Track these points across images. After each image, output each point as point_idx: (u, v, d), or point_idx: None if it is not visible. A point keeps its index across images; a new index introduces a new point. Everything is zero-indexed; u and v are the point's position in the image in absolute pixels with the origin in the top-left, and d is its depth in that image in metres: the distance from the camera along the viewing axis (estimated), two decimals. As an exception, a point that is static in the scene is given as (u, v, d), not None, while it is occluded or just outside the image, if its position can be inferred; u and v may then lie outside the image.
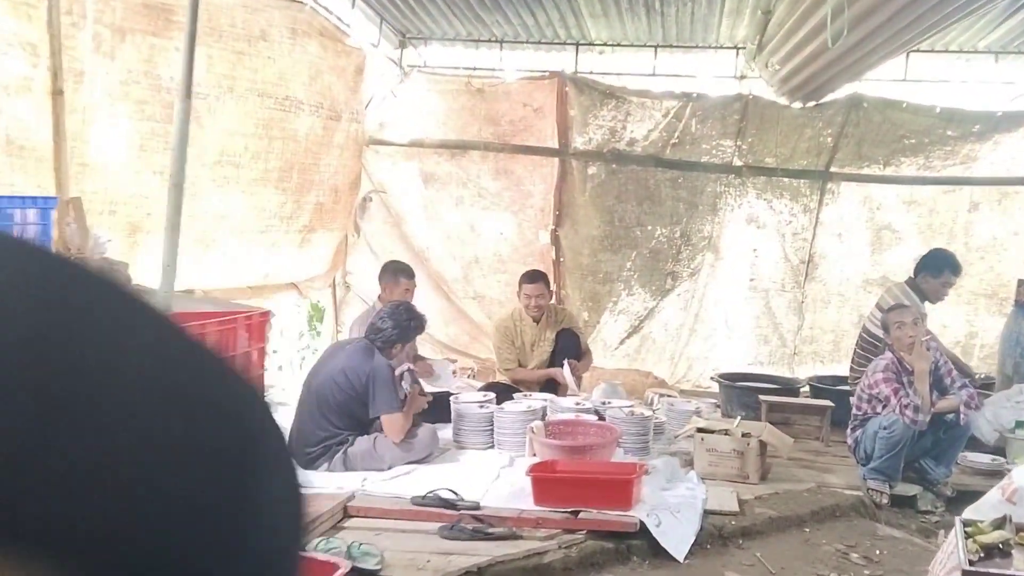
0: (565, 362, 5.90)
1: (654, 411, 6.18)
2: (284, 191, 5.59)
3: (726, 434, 4.96)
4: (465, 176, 7.33)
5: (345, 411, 4.65)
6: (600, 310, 7.51)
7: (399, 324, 4.75)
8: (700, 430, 4.99)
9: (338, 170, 6.18)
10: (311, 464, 4.64)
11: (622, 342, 7.58)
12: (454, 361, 6.86)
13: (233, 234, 5.33)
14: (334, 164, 6.09)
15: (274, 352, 8.73)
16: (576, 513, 3.91)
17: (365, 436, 4.66)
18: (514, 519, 3.89)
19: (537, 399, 5.45)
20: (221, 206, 5.17)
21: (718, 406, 6.66)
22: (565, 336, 6.19)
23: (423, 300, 7.49)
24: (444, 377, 5.82)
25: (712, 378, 6.70)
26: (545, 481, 4.01)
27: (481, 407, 5.25)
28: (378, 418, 4.62)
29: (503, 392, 5.91)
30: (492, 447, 5.04)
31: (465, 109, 7.20)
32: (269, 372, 6.30)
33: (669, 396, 6.69)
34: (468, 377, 7.29)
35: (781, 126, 7.04)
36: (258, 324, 3.27)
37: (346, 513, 4.04)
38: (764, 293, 7.33)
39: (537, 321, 6.16)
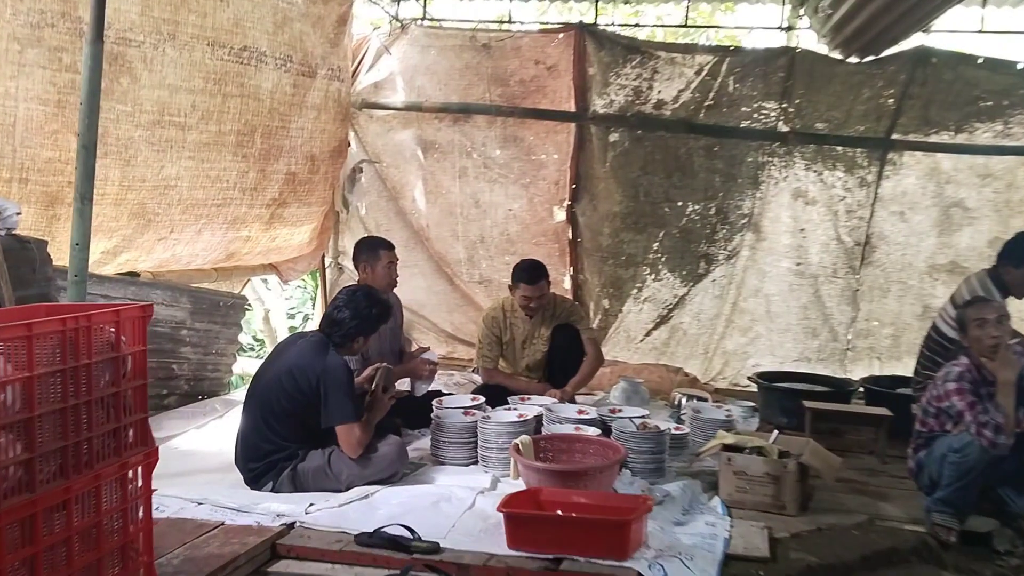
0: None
1: (677, 417, 5.35)
2: (245, 158, 4.80)
3: (759, 453, 4.07)
4: (469, 144, 6.50)
5: (294, 420, 3.86)
6: (623, 298, 6.64)
7: (358, 313, 3.95)
8: (727, 447, 4.11)
9: (314, 135, 5.38)
10: (255, 482, 3.88)
11: (648, 334, 6.69)
12: (452, 376, 6.02)
13: (182, 208, 4.57)
14: (308, 128, 5.29)
15: (255, 340, 8.03)
16: (558, 562, 3.07)
17: (319, 450, 3.88)
18: (478, 568, 3.07)
19: (533, 405, 4.60)
20: (165, 174, 4.40)
21: (756, 410, 5.76)
22: (564, 333, 5.31)
23: (423, 283, 6.73)
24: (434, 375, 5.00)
25: (750, 378, 5.77)
26: (520, 520, 3.17)
27: (465, 414, 4.43)
28: (332, 428, 3.82)
29: (499, 396, 5.08)
30: (476, 462, 4.22)
31: (470, 68, 6.35)
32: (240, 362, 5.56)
33: (699, 397, 5.78)
34: (472, 371, 6.47)
35: (834, 85, 6.05)
36: (133, 321, 2.50)
37: (274, 553, 3.25)
38: (813, 280, 6.37)
39: (531, 316, 5.30)
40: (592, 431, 4.16)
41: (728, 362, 6.65)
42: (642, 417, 4.41)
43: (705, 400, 5.75)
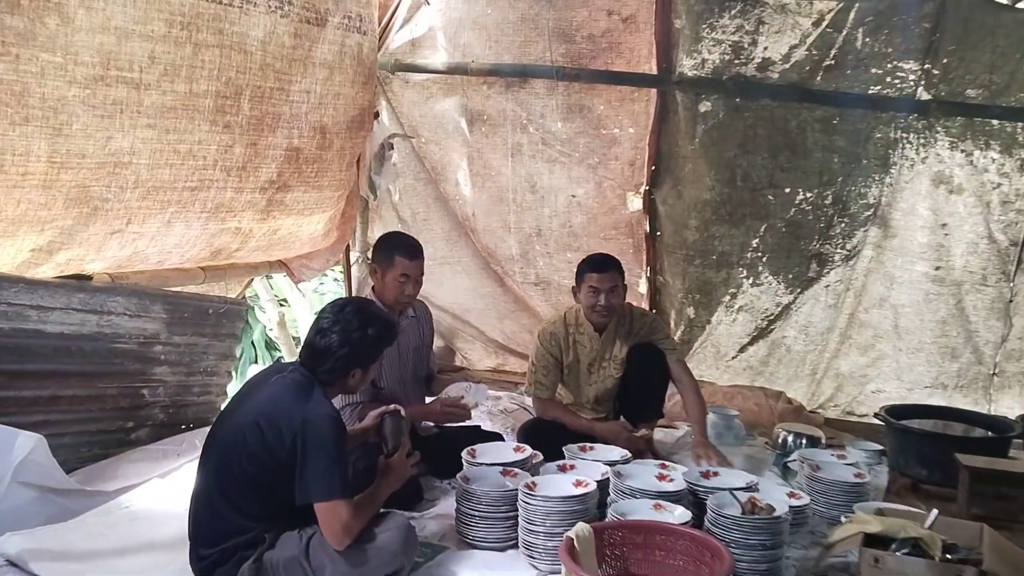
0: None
1: (784, 464, 4.14)
2: (228, 128, 3.72)
3: (915, 547, 2.85)
4: (525, 115, 5.33)
5: (260, 491, 2.78)
6: (712, 305, 5.43)
7: (348, 337, 2.84)
8: (869, 538, 2.89)
9: (324, 101, 4.26)
10: (207, 574, 2.80)
11: (742, 350, 5.47)
12: (498, 399, 4.88)
13: (141, 192, 3.51)
14: (316, 91, 4.17)
15: (269, 350, 6.98)
16: None
17: (294, 534, 2.79)
18: None
19: (597, 461, 3.42)
20: (113, 148, 3.35)
21: (883, 454, 4.53)
22: (643, 356, 4.16)
23: (467, 284, 5.62)
24: (478, 394, 3.87)
25: (878, 415, 4.49)
26: None
27: (504, 474, 3.29)
28: (311, 505, 2.72)
29: (555, 436, 3.93)
30: (515, 545, 3.07)
31: (526, 21, 5.17)
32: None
33: (811, 437, 4.56)
34: (524, 392, 5.32)
35: (996, 39, 4.67)
36: None
37: None
38: (955, 287, 5.02)
39: (601, 331, 4.12)
40: (679, 512, 2.96)
41: (842, 386, 5.39)
42: (749, 489, 3.19)
43: (818, 441, 4.55)
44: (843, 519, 3.37)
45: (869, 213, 5.07)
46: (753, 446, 4.75)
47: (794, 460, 4.25)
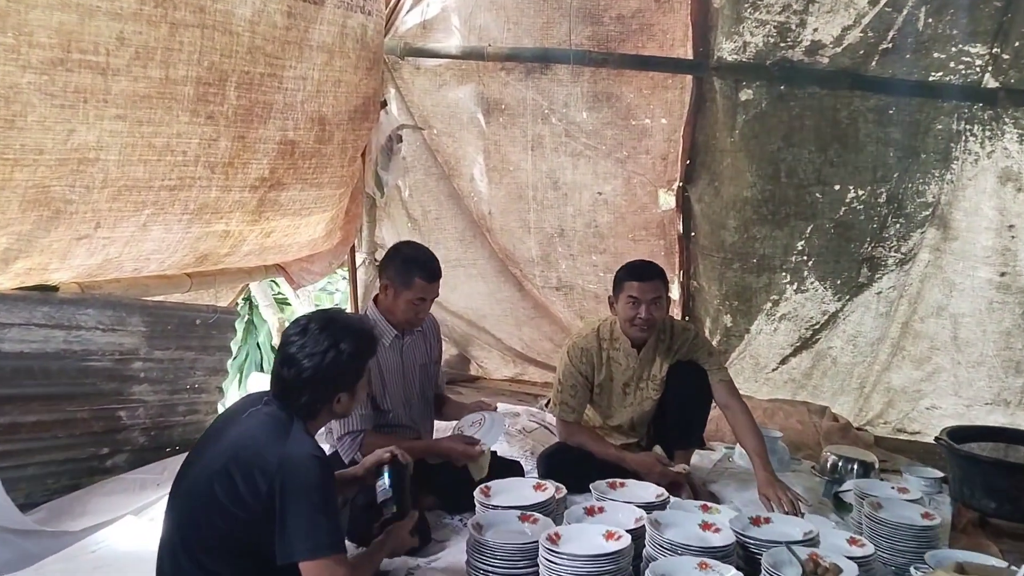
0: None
1: (834, 495, 3.71)
2: (211, 120, 3.28)
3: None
4: (547, 104, 4.90)
5: (233, 550, 2.35)
6: (751, 313, 4.98)
7: (319, 362, 2.39)
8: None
9: (323, 88, 3.81)
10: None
11: (784, 361, 5.04)
12: (516, 416, 4.46)
13: (112, 192, 3.09)
14: (314, 78, 3.72)
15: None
16: None
17: (275, 599, 2.35)
18: None
19: (630, 505, 2.97)
20: (77, 143, 2.93)
21: (945, 482, 4.05)
22: (683, 375, 3.71)
23: (483, 288, 5.22)
24: (491, 435, 3.42)
25: (939, 440, 4.01)
26: None
27: (522, 519, 2.84)
28: (295, 565, 2.29)
29: (580, 468, 3.50)
30: (536, 609, 2.63)
31: (549, 1, 4.74)
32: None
33: (863, 462, 4.09)
34: (544, 407, 4.89)
35: (1076, 19, 4.19)
36: None
37: None
38: (1021, 295, 4.54)
39: (639, 346, 3.67)
40: (725, 571, 2.51)
41: (893, 402, 4.94)
42: (808, 541, 2.73)
43: (871, 467, 4.09)
44: (915, 572, 2.94)
45: (927, 213, 4.61)
46: (799, 471, 4.28)
47: (847, 490, 3.81)
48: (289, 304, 5.73)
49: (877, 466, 4.14)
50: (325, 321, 2.46)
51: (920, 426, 4.86)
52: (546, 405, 4.89)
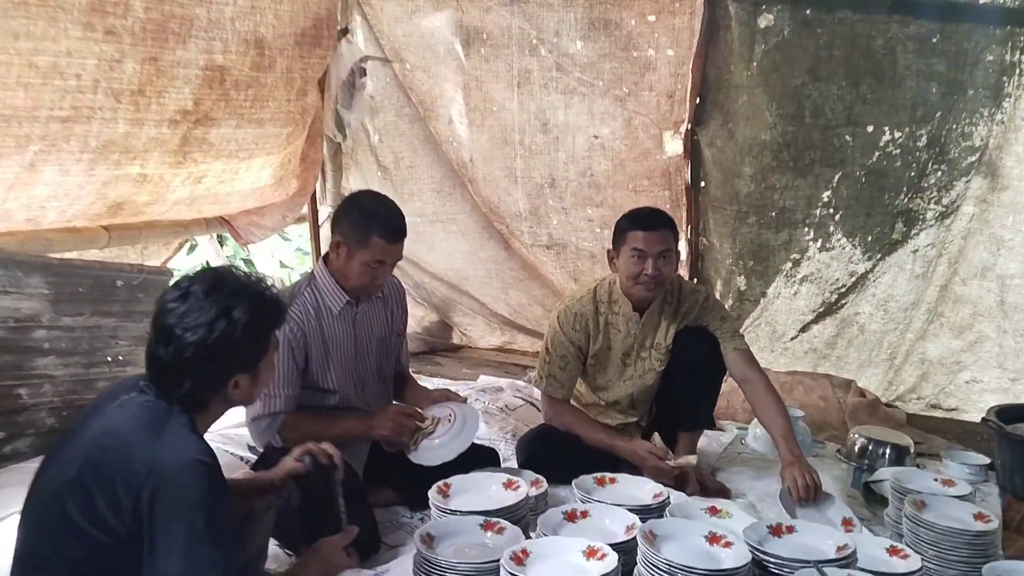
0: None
1: (863, 483, 3.21)
2: (112, 36, 2.68)
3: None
4: (535, 33, 4.30)
5: (88, 574, 1.80)
6: (768, 274, 4.40)
7: (205, 336, 1.84)
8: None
9: (260, 4, 3.20)
10: None
11: (804, 329, 4.49)
12: (499, 392, 3.91)
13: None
14: (248, -7, 3.11)
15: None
16: None
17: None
18: None
19: (615, 511, 2.40)
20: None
21: (991, 469, 3.50)
22: (692, 343, 3.16)
23: (464, 246, 4.68)
24: (462, 437, 2.84)
25: (987, 422, 3.43)
26: None
27: (485, 529, 2.29)
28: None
29: (565, 457, 2.97)
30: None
31: (537, -90, 4.13)
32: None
33: (896, 445, 3.56)
34: (532, 380, 4.33)
35: None
36: None
37: None
38: (1079, 256, 3.99)
39: (643, 310, 3.09)
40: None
41: (927, 375, 4.39)
42: (843, 561, 2.16)
43: (907, 452, 3.57)
44: (971, 592, 2.38)
45: (973, 159, 4.00)
46: (822, 456, 3.73)
47: (880, 480, 3.27)
48: (251, 263, 5.18)
49: (913, 450, 3.60)
50: (212, 283, 1.88)
51: (958, 402, 4.32)
52: (534, 381, 4.36)
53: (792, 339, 4.50)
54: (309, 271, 2.91)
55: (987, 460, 3.55)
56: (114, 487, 1.72)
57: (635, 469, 2.99)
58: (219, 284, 1.86)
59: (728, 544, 2.20)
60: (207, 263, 4.63)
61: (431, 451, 2.75)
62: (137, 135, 2.91)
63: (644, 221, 3.04)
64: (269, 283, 1.98)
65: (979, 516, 2.69)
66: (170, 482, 1.72)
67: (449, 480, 2.56)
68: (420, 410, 2.86)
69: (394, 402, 3.00)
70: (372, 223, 2.69)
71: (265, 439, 2.71)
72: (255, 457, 3.03)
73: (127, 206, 3.11)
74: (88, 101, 2.72)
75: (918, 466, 3.54)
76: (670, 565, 2.05)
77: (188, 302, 1.83)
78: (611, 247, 3.13)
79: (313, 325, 2.75)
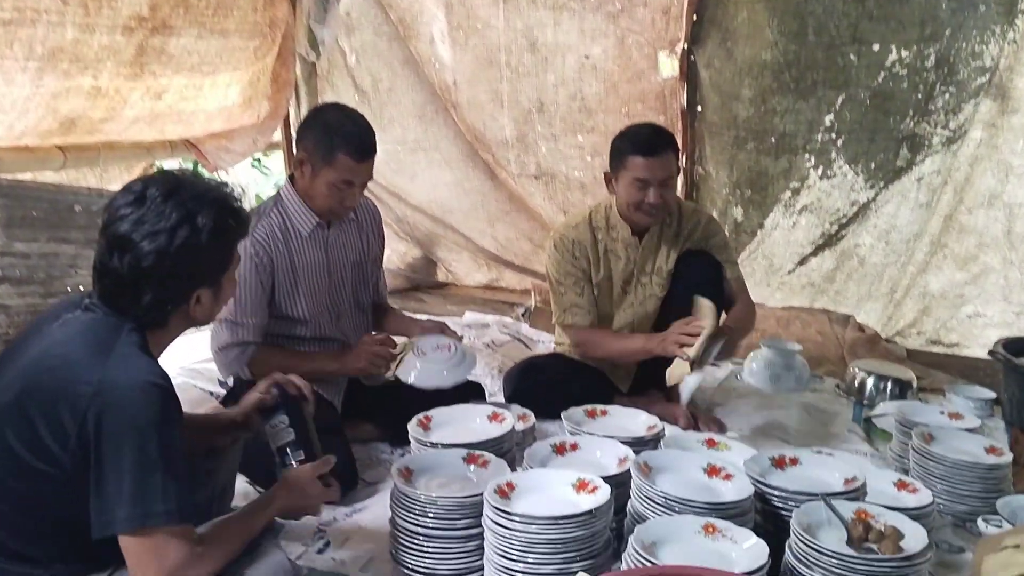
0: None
1: (864, 420, 3.08)
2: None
3: None
4: (522, -56, 4.04)
5: (36, 518, 1.64)
6: (766, 204, 4.19)
7: (167, 244, 1.64)
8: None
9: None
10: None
11: (803, 262, 4.30)
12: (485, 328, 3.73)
13: None
14: None
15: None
16: None
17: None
18: None
19: (607, 443, 2.23)
20: None
21: (997, 403, 3.35)
22: (695, 265, 2.99)
23: (448, 177, 4.47)
24: (459, 371, 2.65)
25: (993, 355, 3.27)
26: None
27: (468, 461, 2.12)
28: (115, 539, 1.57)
29: (555, 390, 2.81)
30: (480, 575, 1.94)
31: None
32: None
33: (898, 380, 3.45)
34: (520, 316, 4.17)
35: None
36: None
37: None
38: (1094, 181, 3.78)
39: (641, 234, 2.91)
40: (748, 545, 1.78)
41: (929, 309, 4.20)
42: (852, 494, 2.00)
43: (909, 386, 3.45)
44: (983, 525, 2.24)
45: (983, 80, 3.77)
46: (820, 391, 3.59)
47: (882, 415, 3.13)
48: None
49: (915, 385, 3.46)
50: (171, 186, 1.68)
51: (959, 337, 4.15)
52: (523, 315, 4.18)
53: (789, 272, 4.32)
54: (275, 192, 2.70)
55: (993, 394, 3.42)
56: (57, 411, 1.54)
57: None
58: (178, 187, 1.66)
59: (728, 476, 2.04)
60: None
61: (427, 373, 2.57)
62: (88, 42, 2.66)
63: (646, 145, 2.83)
64: (231, 189, 1.78)
65: (991, 449, 2.56)
66: (119, 404, 1.54)
67: (430, 412, 2.39)
68: (407, 337, 2.69)
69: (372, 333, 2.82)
70: (338, 139, 2.48)
71: (232, 370, 2.54)
72: (224, 391, 2.86)
73: (81, 123, 2.87)
74: (32, 3, 2.47)
75: (920, 400, 3.41)
76: (667, 498, 1.89)
77: (144, 207, 1.63)
78: (608, 169, 2.94)
79: (280, 249, 2.55)
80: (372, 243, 2.86)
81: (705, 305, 2.74)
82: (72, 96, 2.76)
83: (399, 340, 2.66)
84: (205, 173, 5.09)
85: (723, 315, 2.93)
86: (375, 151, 2.57)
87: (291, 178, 2.66)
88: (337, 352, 2.65)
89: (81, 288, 3.21)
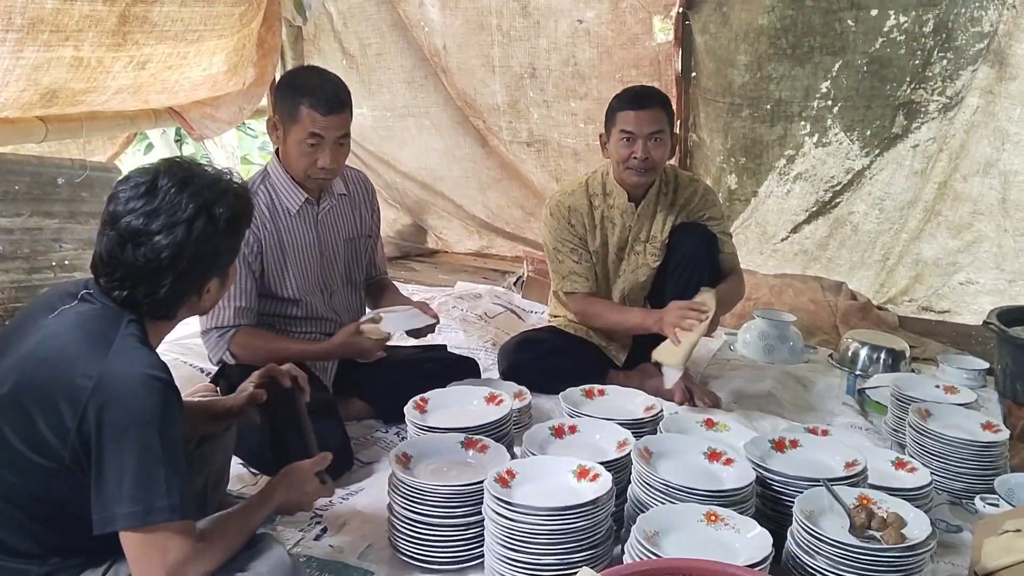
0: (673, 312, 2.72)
1: (858, 393, 3.10)
2: None
3: None
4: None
5: (31, 513, 1.60)
6: (761, 172, 4.13)
7: (185, 235, 1.59)
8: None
9: None
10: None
11: (795, 229, 4.26)
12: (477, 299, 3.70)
13: None
14: None
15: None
16: None
17: (95, 571, 1.62)
18: None
19: (606, 426, 2.21)
20: None
21: (989, 375, 3.36)
22: (689, 235, 2.95)
23: (438, 144, 4.37)
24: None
25: (988, 325, 3.27)
26: None
27: (466, 447, 2.10)
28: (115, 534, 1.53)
29: (550, 364, 2.80)
30: (480, 566, 1.91)
31: None
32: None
33: (889, 347, 3.44)
34: (512, 286, 4.14)
35: None
36: None
37: None
38: (1087, 152, 3.74)
39: (637, 199, 2.89)
40: (753, 535, 1.77)
41: (921, 276, 4.20)
42: (854, 479, 1.99)
43: (902, 356, 3.46)
44: (981, 504, 2.25)
45: (981, 46, 3.72)
46: (814, 362, 3.58)
47: (876, 386, 3.12)
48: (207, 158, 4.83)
49: (908, 355, 3.46)
50: (183, 176, 1.62)
51: (951, 304, 4.15)
52: (515, 284, 4.14)
53: (783, 240, 4.29)
54: (263, 167, 2.63)
55: (986, 365, 3.42)
56: (56, 405, 1.50)
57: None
58: (191, 177, 1.61)
59: (729, 461, 2.03)
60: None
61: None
62: (68, 12, 2.56)
63: (634, 99, 2.82)
64: (237, 176, 1.74)
65: (987, 426, 2.55)
66: (120, 399, 1.50)
67: (426, 395, 2.36)
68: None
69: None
70: (299, 94, 2.41)
71: (217, 355, 2.49)
72: (215, 368, 2.82)
73: (63, 94, 2.78)
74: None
75: (913, 371, 3.41)
76: (668, 486, 1.88)
77: (158, 198, 1.58)
78: (603, 132, 2.90)
79: (269, 228, 2.50)
80: (365, 218, 2.79)
81: (709, 300, 2.73)
82: (53, 67, 2.66)
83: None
84: (200, 153, 5.00)
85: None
86: (343, 106, 2.45)
87: (277, 153, 2.59)
88: (321, 340, 2.60)
89: (66, 262, 3.15)
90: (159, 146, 4.41)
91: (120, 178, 1.63)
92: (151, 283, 1.60)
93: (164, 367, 1.60)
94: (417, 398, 2.33)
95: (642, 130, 2.75)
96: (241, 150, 5.68)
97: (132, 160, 5.10)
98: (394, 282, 3.04)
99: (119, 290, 1.62)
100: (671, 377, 2.74)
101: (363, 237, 2.78)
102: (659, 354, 2.75)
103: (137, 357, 1.56)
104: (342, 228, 2.70)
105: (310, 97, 2.39)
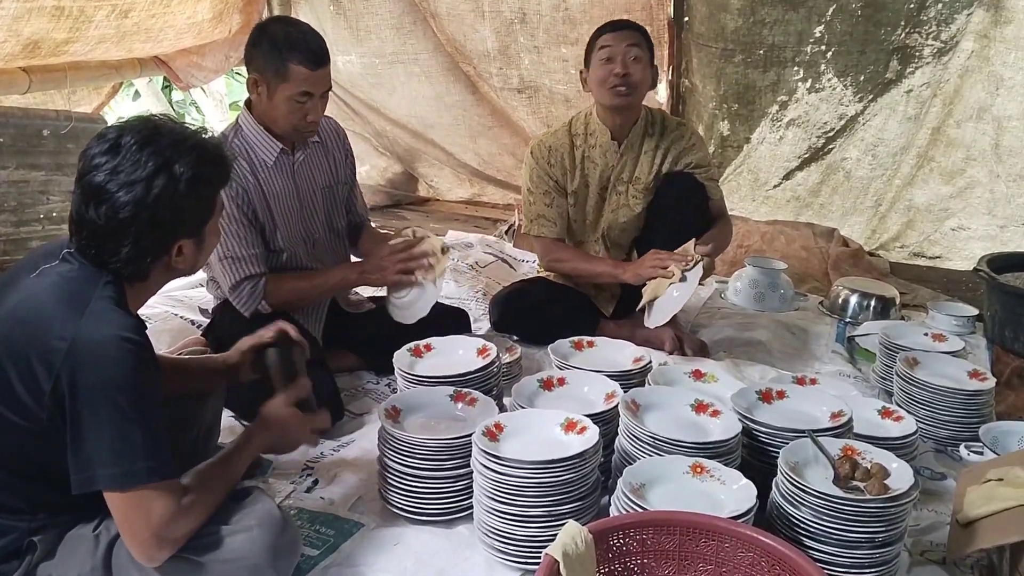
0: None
1: (848, 342, 3.11)
2: None
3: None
4: None
5: (15, 470, 1.62)
6: (753, 119, 4.11)
7: (144, 194, 1.56)
8: None
9: None
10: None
11: (788, 176, 4.24)
12: (468, 248, 3.69)
13: None
14: None
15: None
16: None
17: (84, 532, 1.67)
18: None
19: (595, 377, 2.22)
20: None
21: (978, 321, 3.37)
22: (676, 188, 2.93)
23: (428, 91, 4.31)
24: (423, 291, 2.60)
25: (978, 271, 3.27)
26: None
27: (455, 400, 2.12)
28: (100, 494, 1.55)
29: (542, 314, 2.82)
30: (469, 518, 1.94)
31: None
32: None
33: (879, 294, 3.45)
34: (503, 235, 4.13)
35: None
36: None
37: None
38: (1082, 96, 3.71)
39: (620, 137, 2.89)
40: (738, 487, 1.80)
41: (913, 222, 4.21)
42: (839, 430, 2.01)
43: (892, 304, 3.47)
44: (965, 452, 2.27)
45: (977, -11, 3.66)
46: (804, 309, 3.59)
47: (865, 334, 3.14)
48: (199, 110, 4.77)
49: (898, 302, 3.47)
50: (146, 133, 1.60)
51: (942, 250, 4.16)
52: (506, 232, 4.13)
53: (775, 187, 4.28)
54: (233, 120, 2.59)
55: (975, 311, 3.42)
56: (30, 366, 1.50)
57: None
58: (155, 135, 1.58)
59: (716, 413, 2.04)
60: (148, 111, 4.26)
61: (403, 310, 2.56)
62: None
63: (610, 24, 2.86)
64: (210, 135, 1.71)
65: (974, 374, 2.56)
66: (93, 361, 1.49)
67: (415, 344, 2.37)
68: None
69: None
70: (287, 50, 2.36)
71: (252, 306, 2.46)
72: (207, 320, 2.82)
73: (45, 44, 2.74)
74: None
75: (903, 318, 3.43)
76: (655, 438, 1.90)
77: (120, 155, 1.55)
78: (583, 68, 2.89)
79: (250, 180, 2.47)
80: (340, 164, 2.75)
81: (692, 250, 2.74)
82: (34, 17, 2.62)
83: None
84: (188, 101, 4.89)
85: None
86: (328, 58, 2.43)
87: (248, 105, 2.54)
88: (351, 265, 2.62)
89: (54, 215, 3.13)
90: (146, 95, 4.34)
91: (95, 136, 1.61)
92: (114, 242, 1.58)
93: (138, 328, 1.59)
94: (411, 345, 2.34)
95: (620, 45, 2.75)
96: (230, 96, 5.60)
97: (120, 109, 5.03)
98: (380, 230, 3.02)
99: (88, 249, 1.61)
100: (656, 318, 2.74)
101: (340, 184, 2.75)
102: (647, 292, 2.76)
103: (111, 319, 1.55)
104: (318, 176, 2.67)
105: (298, 53, 2.35)
